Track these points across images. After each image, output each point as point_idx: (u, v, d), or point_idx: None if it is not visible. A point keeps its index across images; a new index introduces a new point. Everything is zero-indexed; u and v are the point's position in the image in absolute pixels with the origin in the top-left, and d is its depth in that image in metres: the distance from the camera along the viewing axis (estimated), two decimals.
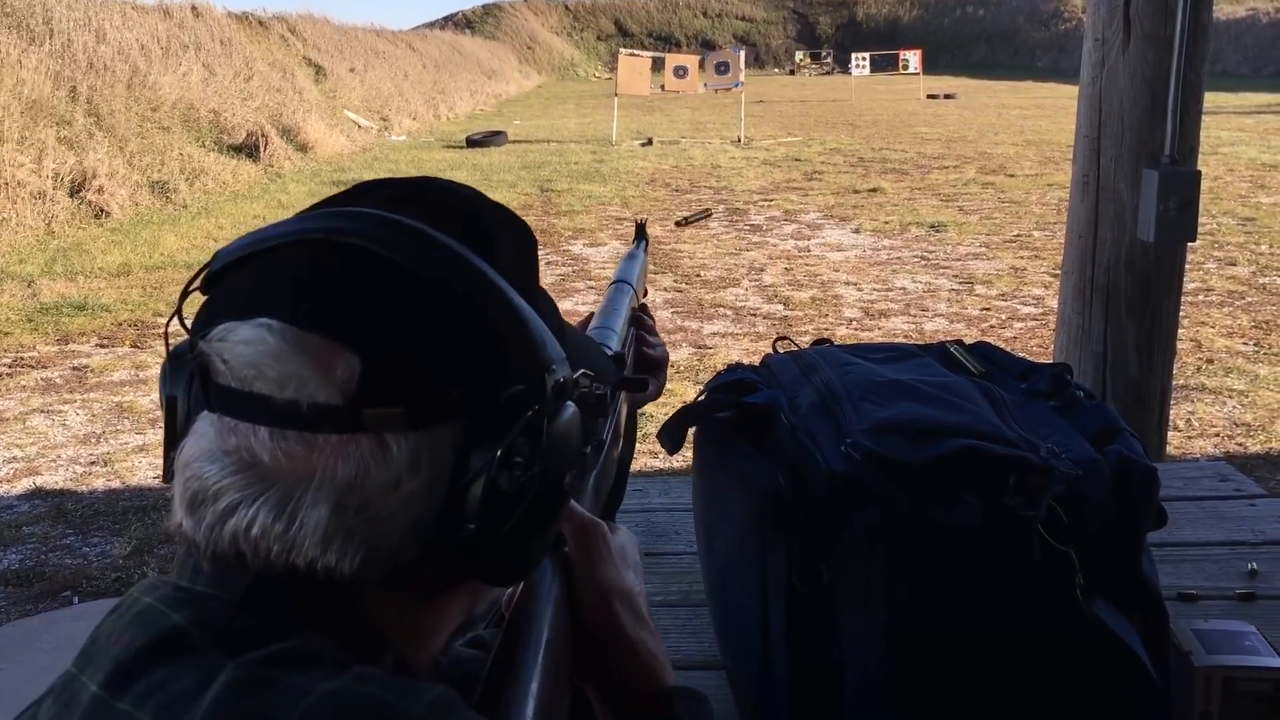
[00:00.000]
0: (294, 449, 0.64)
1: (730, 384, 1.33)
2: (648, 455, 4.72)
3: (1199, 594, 1.46)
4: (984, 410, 1.19)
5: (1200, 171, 2.20)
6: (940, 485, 1.06)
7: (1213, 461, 1.94)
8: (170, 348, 0.72)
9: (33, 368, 6.16)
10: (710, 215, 10.34)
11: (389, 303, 0.65)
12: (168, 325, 0.71)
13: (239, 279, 0.68)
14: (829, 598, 1.09)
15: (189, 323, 0.69)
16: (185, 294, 0.70)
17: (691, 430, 1.32)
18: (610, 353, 1.04)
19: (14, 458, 4.87)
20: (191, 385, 0.69)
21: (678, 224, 10.01)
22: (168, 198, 11.38)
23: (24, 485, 4.60)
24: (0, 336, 6.76)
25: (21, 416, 5.38)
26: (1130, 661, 1.03)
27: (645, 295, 1.32)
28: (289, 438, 0.64)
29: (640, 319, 1.25)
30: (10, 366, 6.20)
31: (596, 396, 0.77)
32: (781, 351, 1.46)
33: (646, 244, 1.40)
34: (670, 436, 1.28)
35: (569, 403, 0.71)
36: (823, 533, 1.08)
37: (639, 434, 4.85)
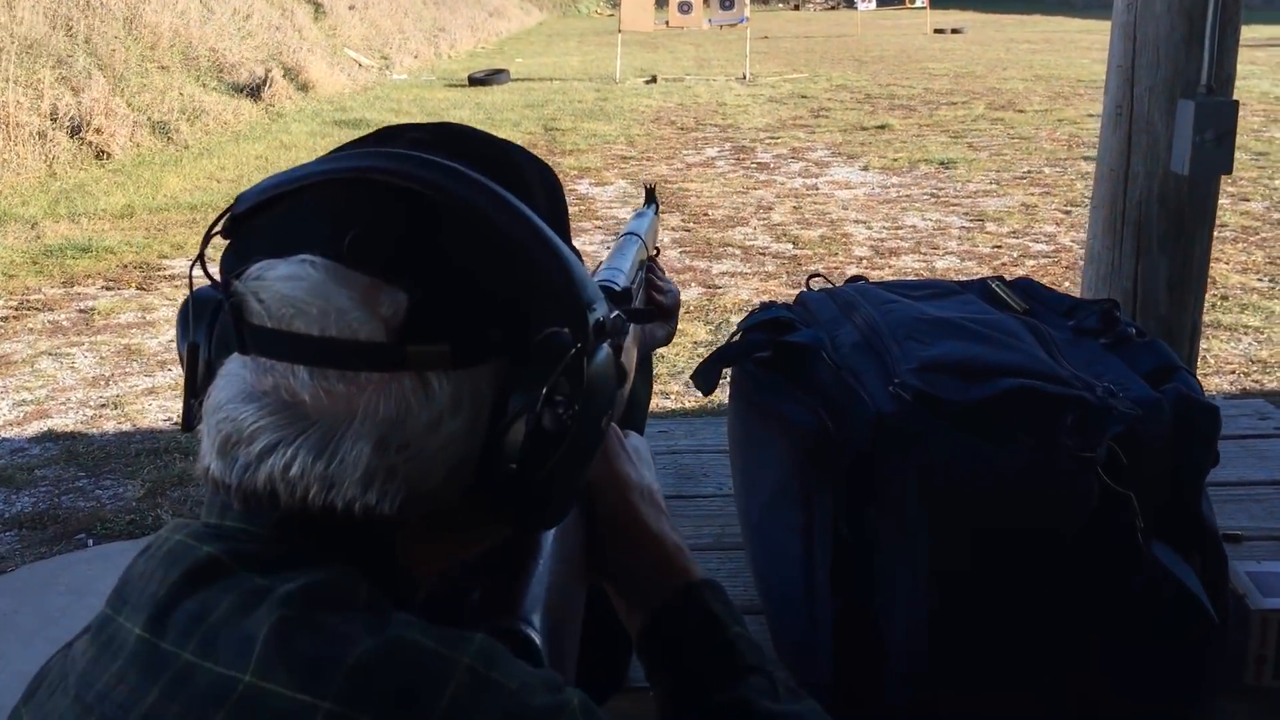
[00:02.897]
0: (335, 387, 0.63)
1: (766, 323, 1.29)
2: (659, 396, 4.70)
3: (1245, 535, 1.43)
4: (1034, 349, 1.15)
5: (1238, 102, 2.14)
6: (994, 426, 1.02)
7: (1250, 399, 1.91)
8: (190, 292, 0.71)
9: (39, 310, 6.13)
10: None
11: (434, 240, 0.65)
12: (192, 270, 0.70)
13: (269, 220, 0.67)
14: (876, 540, 1.06)
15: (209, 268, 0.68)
16: (208, 237, 0.69)
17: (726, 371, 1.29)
18: (617, 288, 1.04)
19: (24, 400, 4.86)
20: (212, 330, 0.68)
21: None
22: (169, 138, 11.25)
23: (35, 428, 4.58)
24: (5, 279, 6.71)
25: (30, 359, 5.36)
26: (1192, 605, 1.01)
27: (657, 255, 1.29)
28: (330, 376, 0.63)
29: (651, 266, 1.22)
30: (17, 309, 6.16)
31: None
32: (817, 289, 1.41)
33: (657, 207, 1.37)
34: (705, 378, 1.24)
35: (605, 344, 0.70)
36: (870, 475, 1.05)
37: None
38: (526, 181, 0.72)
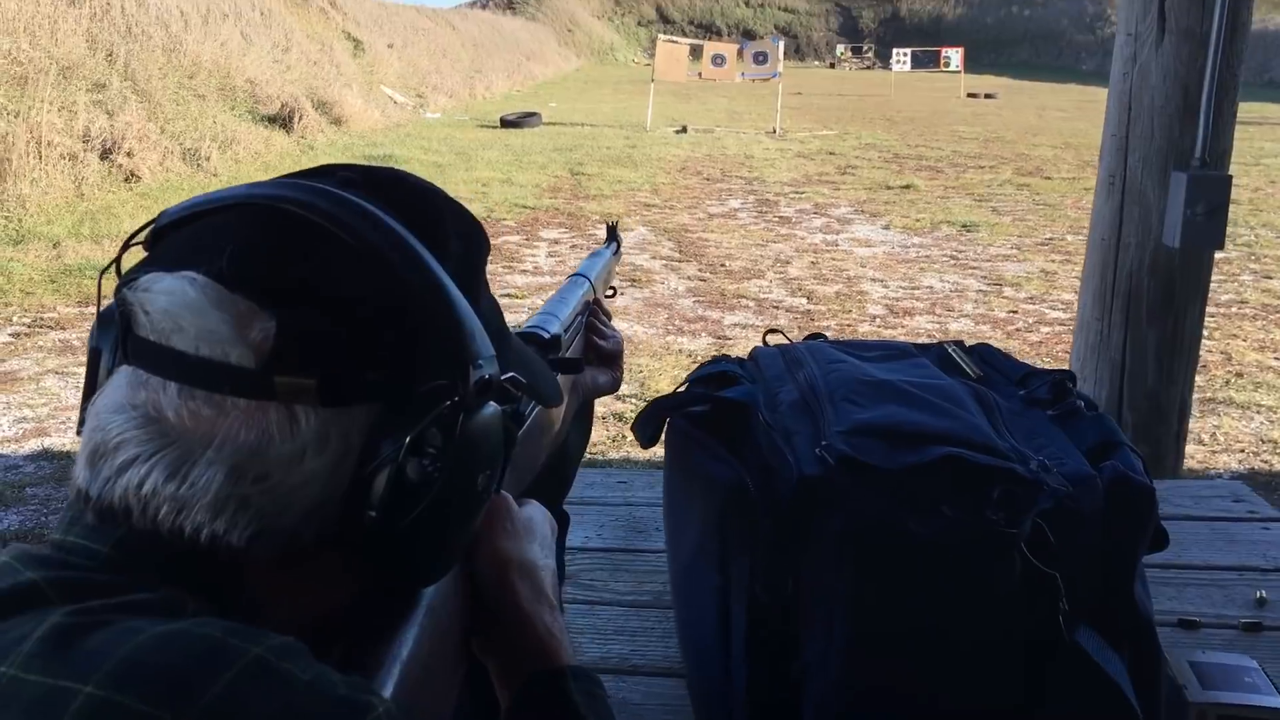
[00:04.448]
0: (200, 409, 0.62)
1: (711, 376, 1.26)
2: (630, 445, 4.65)
3: (1202, 621, 1.37)
4: (975, 417, 1.11)
5: (1231, 176, 2.10)
6: (917, 495, 0.98)
7: (1228, 480, 1.85)
8: (107, 301, 0.70)
9: (51, 328, 6.16)
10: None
11: (317, 272, 0.64)
12: (101, 276, 0.71)
13: (178, 236, 0.68)
14: (793, 607, 1.02)
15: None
16: (126, 247, 0.69)
17: None
18: (547, 335, 1.00)
19: (24, 418, 4.86)
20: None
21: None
22: (199, 165, 11.38)
23: (32, 446, 4.58)
24: (23, 296, 6.77)
25: (36, 377, 5.37)
26: (1113, 695, 0.95)
27: (612, 296, 1.27)
28: (197, 397, 0.62)
29: (594, 311, 1.20)
30: (30, 326, 6.20)
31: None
32: (770, 345, 1.38)
33: (618, 246, 1.34)
34: (643, 429, 1.21)
35: (491, 403, 0.69)
36: (789, 539, 1.01)
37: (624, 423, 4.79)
38: (443, 230, 0.71)
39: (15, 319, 6.31)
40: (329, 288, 0.64)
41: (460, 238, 0.73)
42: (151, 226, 0.69)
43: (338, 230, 0.64)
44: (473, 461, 0.68)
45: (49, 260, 7.62)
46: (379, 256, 0.65)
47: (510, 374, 0.71)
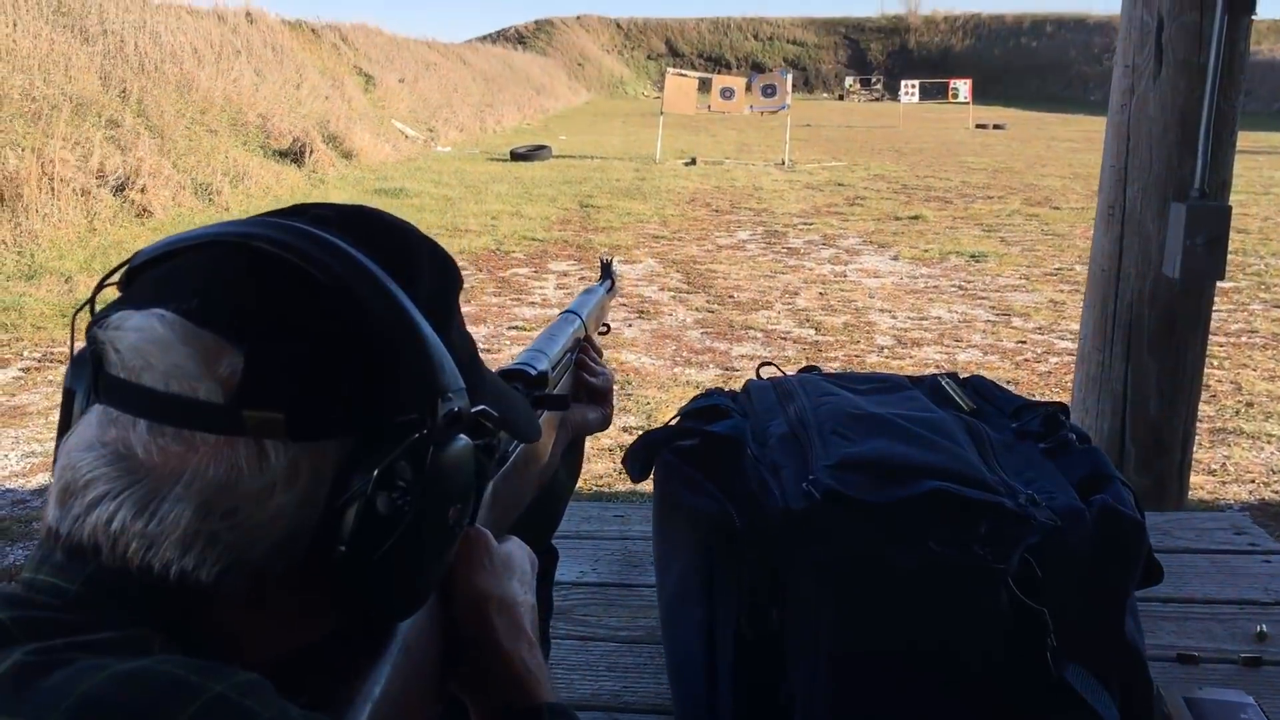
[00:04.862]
0: (170, 445, 0.62)
1: (702, 410, 1.26)
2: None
3: (1201, 656, 1.35)
4: (966, 450, 1.11)
5: (1230, 208, 2.09)
6: (904, 529, 0.98)
7: (1229, 512, 1.83)
8: (82, 341, 0.70)
9: (61, 363, 6.19)
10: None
11: (284, 307, 0.64)
12: (75, 316, 0.71)
13: (151, 275, 0.68)
14: (778, 642, 1.01)
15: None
16: (100, 287, 0.70)
17: None
18: (534, 371, 1.00)
19: (33, 452, 4.87)
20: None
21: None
22: (210, 200, 11.46)
23: (39, 480, 4.59)
24: (34, 330, 6.80)
25: (45, 411, 5.39)
26: None
27: (606, 332, 1.27)
28: (166, 433, 0.62)
29: (585, 348, 1.19)
30: (40, 361, 6.23)
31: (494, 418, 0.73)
32: (764, 378, 1.38)
33: (613, 283, 1.35)
34: (633, 463, 1.21)
35: (461, 435, 0.69)
36: (774, 573, 1.00)
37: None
38: (415, 267, 0.71)
39: (26, 353, 6.35)
40: (297, 322, 0.64)
41: (432, 273, 0.73)
42: (125, 266, 0.69)
43: (307, 266, 0.65)
44: (443, 495, 0.68)
45: (60, 295, 7.66)
46: (348, 291, 0.65)
47: (480, 407, 0.71)
